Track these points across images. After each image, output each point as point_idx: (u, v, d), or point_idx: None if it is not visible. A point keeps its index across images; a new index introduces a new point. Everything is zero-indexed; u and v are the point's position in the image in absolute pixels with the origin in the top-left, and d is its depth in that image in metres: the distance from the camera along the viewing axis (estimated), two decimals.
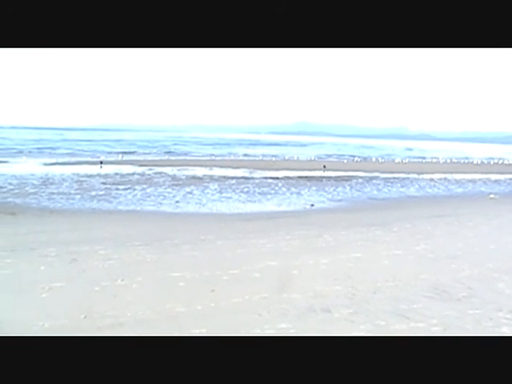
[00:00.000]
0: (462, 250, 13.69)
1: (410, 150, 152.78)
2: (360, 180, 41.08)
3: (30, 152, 75.35)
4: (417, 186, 37.88)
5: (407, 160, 79.78)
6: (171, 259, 12.27)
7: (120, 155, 67.58)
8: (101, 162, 52.82)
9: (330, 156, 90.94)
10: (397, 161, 76.64)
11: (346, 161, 72.15)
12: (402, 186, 37.37)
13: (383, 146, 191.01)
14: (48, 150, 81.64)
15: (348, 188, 34.88)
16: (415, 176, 47.56)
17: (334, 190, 33.16)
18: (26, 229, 16.63)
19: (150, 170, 45.78)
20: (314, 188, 34.16)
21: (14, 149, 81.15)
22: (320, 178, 41.61)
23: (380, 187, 36.15)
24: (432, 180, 43.96)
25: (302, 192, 31.80)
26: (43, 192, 28.18)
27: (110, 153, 75.34)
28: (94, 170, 44.58)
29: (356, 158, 79.89)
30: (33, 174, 38.35)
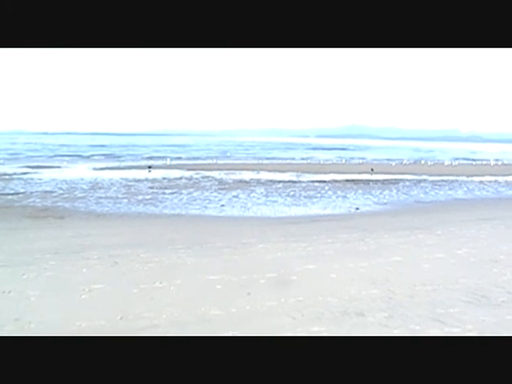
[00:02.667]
0: (505, 254, 13.35)
1: (460, 151, 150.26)
2: (407, 183, 40.57)
3: (80, 157, 76.95)
4: (465, 189, 37.21)
5: (457, 162, 78.45)
6: (211, 262, 12.30)
7: (168, 160, 68.19)
8: (149, 167, 53.39)
9: (377, 159, 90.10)
10: (446, 163, 75.34)
11: (393, 164, 71.30)
12: (450, 189, 36.74)
13: (433, 148, 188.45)
14: (98, 156, 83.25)
15: (395, 191, 34.47)
16: (464, 178, 46.71)
17: (380, 194, 32.84)
18: (72, 232, 16.96)
19: (198, 174, 46.11)
20: (360, 191, 33.88)
21: (66, 155, 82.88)
22: (367, 182, 41.22)
23: (427, 190, 35.62)
24: (481, 182, 43.15)
25: (348, 195, 31.59)
26: (91, 196, 28.73)
27: (159, 157, 76.09)
28: (143, 174, 45.11)
29: (404, 161, 78.88)
30: (82, 179, 39.21)
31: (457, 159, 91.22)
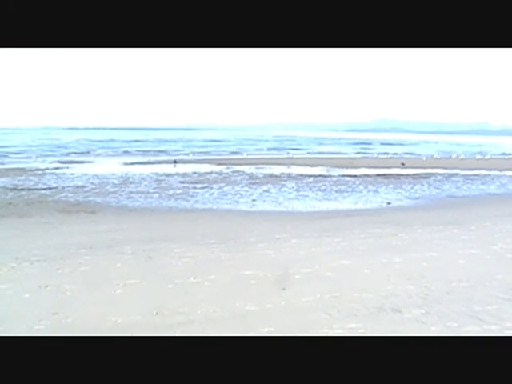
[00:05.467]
0: None
1: (492, 145, 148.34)
2: (439, 177, 40.07)
3: (105, 151, 77.65)
4: (498, 184, 36.59)
5: (489, 156, 77.32)
6: (245, 257, 12.29)
7: (190, 154, 68.50)
8: (175, 162, 53.45)
9: (408, 153, 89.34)
10: (478, 157, 74.22)
11: (424, 158, 70.55)
12: (482, 184, 36.18)
13: (464, 142, 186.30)
14: (123, 149, 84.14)
15: (426, 186, 34.08)
16: (497, 173, 45.98)
17: (411, 188, 32.49)
18: (105, 227, 17.07)
19: (228, 168, 46.10)
20: (391, 186, 33.58)
21: (97, 149, 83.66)
22: (398, 176, 40.80)
23: (459, 185, 35.15)
24: None
25: (379, 190, 31.31)
26: (122, 191, 28.84)
27: (189, 153, 76.32)
28: (172, 169, 45.27)
29: (435, 155, 78.04)
30: (113, 174, 39.39)
31: (489, 153, 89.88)
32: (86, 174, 38.49)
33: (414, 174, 42.32)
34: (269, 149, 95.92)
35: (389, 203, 25.45)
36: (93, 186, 30.93)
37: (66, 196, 26.42)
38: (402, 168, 49.88)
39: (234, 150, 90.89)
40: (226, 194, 27.99)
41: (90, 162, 54.09)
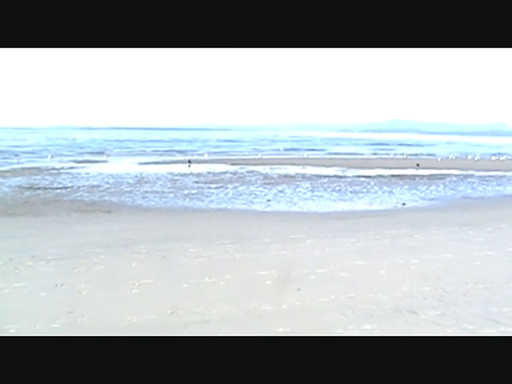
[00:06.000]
0: None
1: (509, 146, 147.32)
2: (454, 178, 39.92)
3: (120, 151, 78.11)
4: None
5: (504, 157, 76.85)
6: (259, 258, 12.27)
7: (205, 154, 68.75)
8: (189, 161, 53.71)
9: (422, 154, 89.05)
10: (493, 158, 73.85)
11: (439, 158, 70.32)
12: (498, 185, 35.99)
13: (481, 142, 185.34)
14: (138, 149, 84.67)
15: (441, 186, 33.96)
16: None
17: (426, 189, 32.41)
18: (120, 226, 17.18)
19: (242, 168, 46.22)
20: (406, 186, 33.50)
21: (111, 149, 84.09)
22: (413, 177, 40.69)
23: (475, 186, 34.98)
24: None
25: (394, 191, 31.26)
26: (137, 191, 29.04)
27: (205, 153, 76.42)
28: (187, 169, 45.39)
29: (450, 156, 77.72)
30: (128, 173, 39.71)
31: (505, 154, 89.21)
32: (101, 174, 38.76)
33: (429, 175, 42.22)
34: (285, 149, 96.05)
35: (404, 204, 25.41)
36: (108, 186, 31.14)
37: (82, 195, 26.62)
38: (416, 169, 49.75)
39: (249, 150, 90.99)
40: (241, 194, 28.07)
41: (104, 161, 54.49)
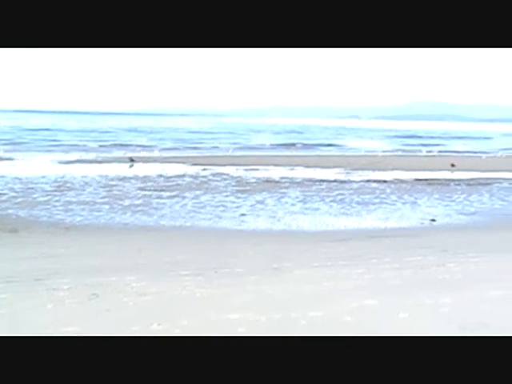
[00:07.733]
0: None
1: None
2: (505, 184, 40.06)
3: (33, 144, 77.61)
4: None
5: None
6: (229, 295, 12.18)
7: (155, 150, 68.39)
8: (131, 160, 52.92)
9: (460, 150, 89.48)
10: None
11: (484, 156, 70.77)
12: None
13: None
14: (59, 142, 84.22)
15: (486, 196, 34.12)
16: None
17: (465, 199, 32.55)
18: (32, 251, 16.94)
19: (207, 170, 46.14)
20: (436, 195, 33.67)
21: (18, 143, 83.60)
22: (446, 182, 40.91)
23: None
24: None
25: (419, 201, 31.41)
26: (57, 201, 28.80)
27: (153, 146, 76.26)
28: (129, 170, 45.27)
29: (500, 153, 78.16)
30: (44, 176, 39.24)
31: None
32: (3, 177, 38.26)
33: (468, 180, 42.38)
34: (272, 145, 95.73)
35: (433, 220, 25.52)
36: (14, 194, 30.80)
37: None
38: (451, 171, 50.01)
39: (219, 144, 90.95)
40: (205, 206, 28.03)
41: (9, 159, 53.83)
